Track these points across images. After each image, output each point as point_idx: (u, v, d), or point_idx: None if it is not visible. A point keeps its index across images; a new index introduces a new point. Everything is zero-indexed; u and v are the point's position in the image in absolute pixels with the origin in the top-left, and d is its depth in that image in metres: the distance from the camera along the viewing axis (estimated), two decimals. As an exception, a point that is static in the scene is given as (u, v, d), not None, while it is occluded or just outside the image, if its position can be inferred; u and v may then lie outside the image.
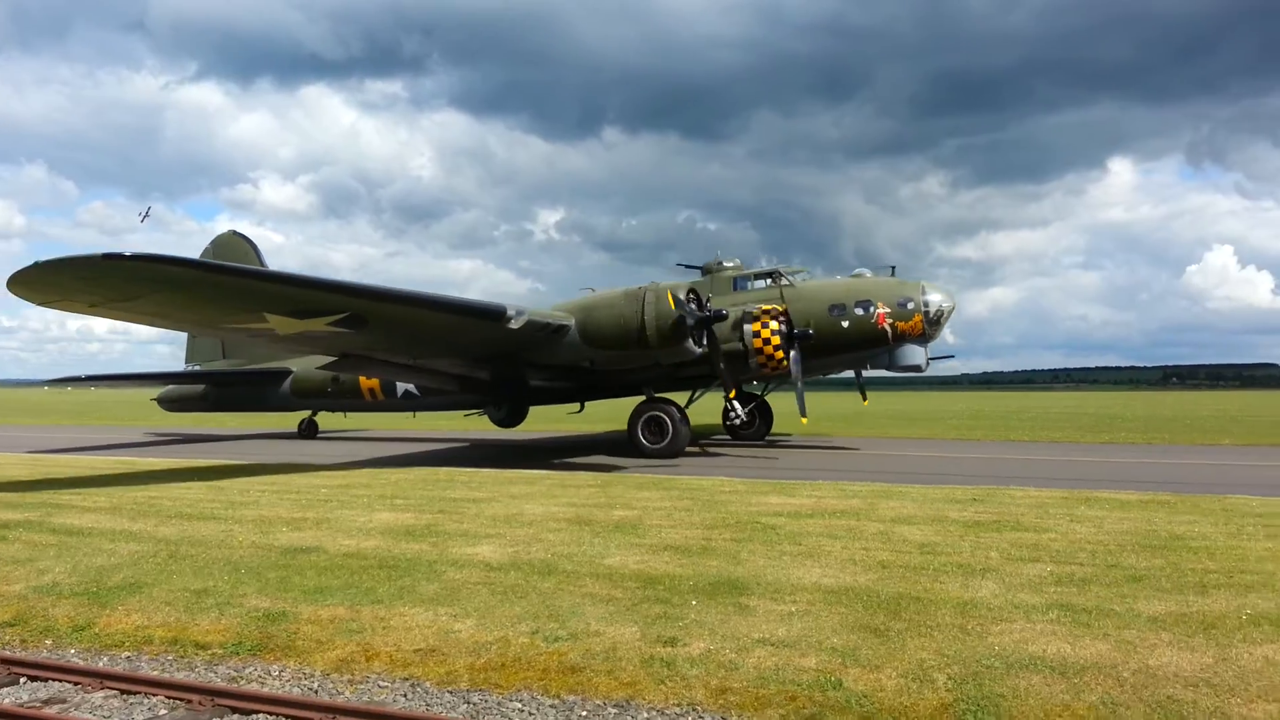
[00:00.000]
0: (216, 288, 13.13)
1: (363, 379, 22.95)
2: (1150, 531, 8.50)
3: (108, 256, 11.17)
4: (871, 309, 18.71)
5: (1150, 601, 6.01)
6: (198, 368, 27.14)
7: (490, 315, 15.24)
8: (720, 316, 17.16)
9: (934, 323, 18.75)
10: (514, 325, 15.36)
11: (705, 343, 16.96)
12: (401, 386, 22.44)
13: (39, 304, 12.82)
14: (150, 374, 28.23)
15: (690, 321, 16.19)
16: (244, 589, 6.79)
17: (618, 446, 20.35)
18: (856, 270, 20.27)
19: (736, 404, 18.38)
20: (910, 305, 18.60)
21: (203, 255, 27.44)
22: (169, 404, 27.18)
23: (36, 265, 11.37)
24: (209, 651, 5.63)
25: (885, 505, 10.37)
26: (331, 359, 18.36)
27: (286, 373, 24.55)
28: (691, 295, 16.99)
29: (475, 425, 27.96)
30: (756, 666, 4.92)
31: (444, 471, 14.95)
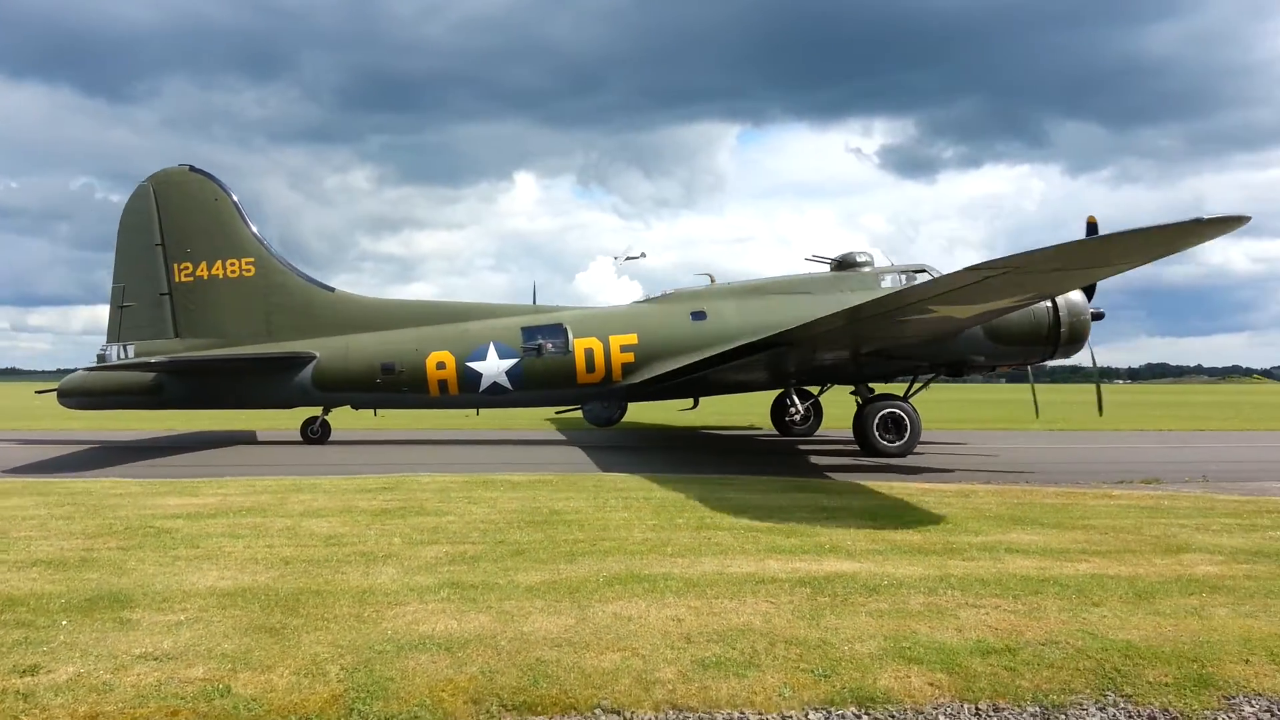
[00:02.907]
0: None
1: (432, 368, 18.02)
2: (535, 509, 9.53)
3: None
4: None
5: (529, 573, 6.75)
6: (129, 351, 18.69)
7: None
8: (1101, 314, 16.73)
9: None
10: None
11: None
12: (489, 378, 18.03)
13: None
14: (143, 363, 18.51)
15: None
16: None
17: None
18: None
19: (797, 400, 17.63)
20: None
21: (137, 201, 19.24)
22: (87, 398, 18.98)
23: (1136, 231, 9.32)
24: None
25: (296, 499, 10.23)
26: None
27: (306, 358, 18.46)
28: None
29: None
30: (135, 685, 4.56)
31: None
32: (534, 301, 20.45)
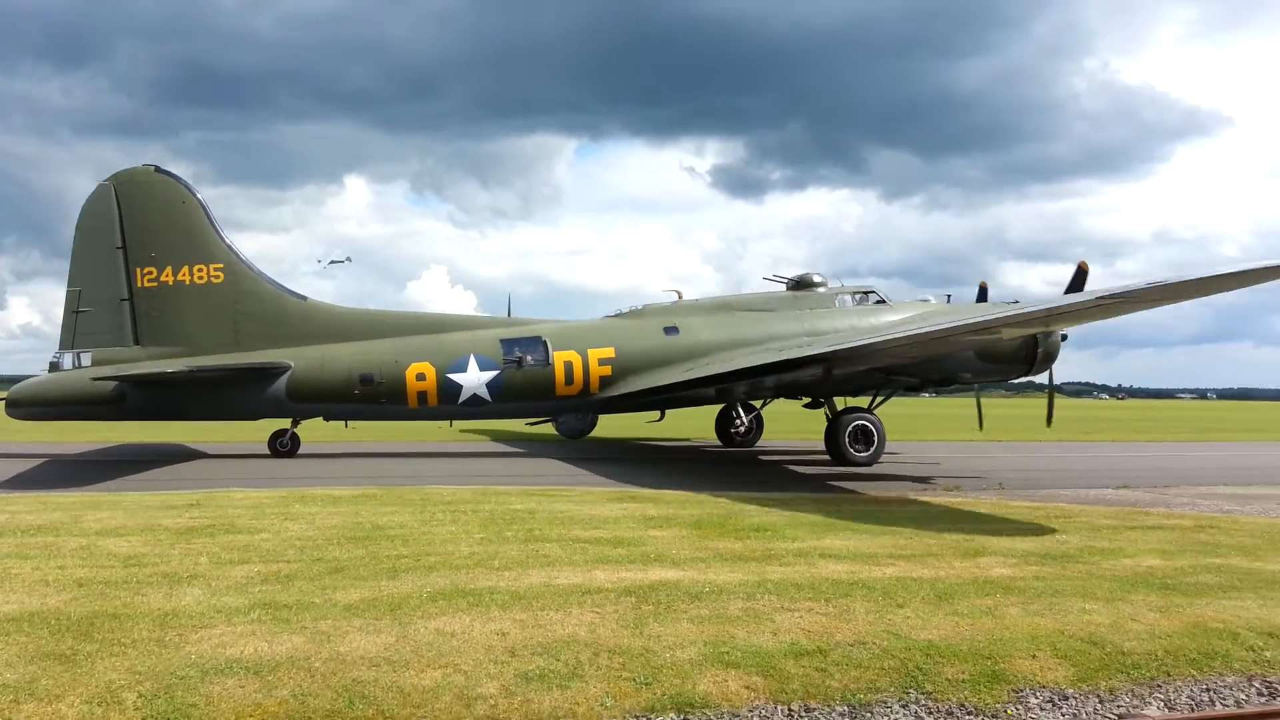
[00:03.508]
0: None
1: (412, 379, 17.46)
2: (357, 524, 9.22)
3: None
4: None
5: (348, 591, 6.52)
6: (84, 359, 17.25)
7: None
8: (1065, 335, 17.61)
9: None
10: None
11: None
12: (469, 390, 17.64)
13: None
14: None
15: None
16: None
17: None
18: (923, 297, 19.55)
19: (742, 412, 18.37)
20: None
21: (96, 203, 17.71)
22: (40, 408, 17.47)
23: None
24: None
25: (92, 517, 9.53)
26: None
27: (280, 369, 17.49)
28: None
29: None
30: (-103, 724, 4.14)
31: None
32: (509, 314, 20.52)
